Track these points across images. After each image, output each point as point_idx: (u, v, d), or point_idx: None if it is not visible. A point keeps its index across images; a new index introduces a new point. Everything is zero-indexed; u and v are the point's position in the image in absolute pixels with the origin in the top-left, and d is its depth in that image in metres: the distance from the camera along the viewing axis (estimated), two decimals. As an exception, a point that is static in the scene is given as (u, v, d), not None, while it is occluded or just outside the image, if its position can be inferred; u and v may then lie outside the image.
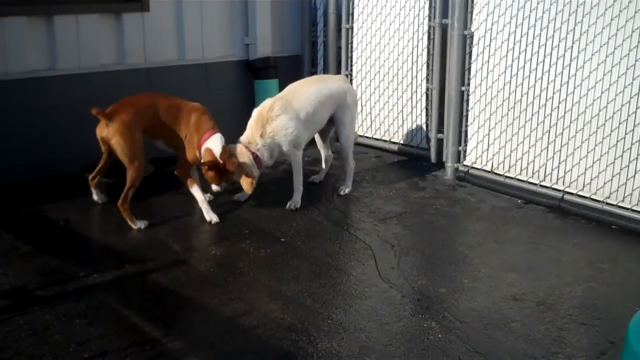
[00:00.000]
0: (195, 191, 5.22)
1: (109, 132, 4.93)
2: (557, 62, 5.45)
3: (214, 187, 5.31)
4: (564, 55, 5.38)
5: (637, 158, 5.05)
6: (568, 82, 5.39)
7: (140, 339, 3.60)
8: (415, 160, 6.70)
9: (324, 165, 6.11)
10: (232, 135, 5.44)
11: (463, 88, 6.14)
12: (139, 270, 4.39)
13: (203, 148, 5.07)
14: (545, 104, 5.57)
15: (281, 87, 6.46)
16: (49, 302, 3.95)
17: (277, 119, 5.27)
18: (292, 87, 5.62)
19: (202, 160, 5.05)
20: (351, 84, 7.07)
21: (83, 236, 4.72)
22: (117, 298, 4.04)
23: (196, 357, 3.46)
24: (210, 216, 5.15)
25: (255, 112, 5.38)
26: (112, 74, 6.17)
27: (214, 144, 5.06)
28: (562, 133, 5.50)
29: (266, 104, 5.38)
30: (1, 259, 4.46)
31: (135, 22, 6.37)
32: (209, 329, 3.73)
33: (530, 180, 5.74)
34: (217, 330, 3.73)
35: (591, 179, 5.34)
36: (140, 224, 5.02)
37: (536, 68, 5.60)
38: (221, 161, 5.01)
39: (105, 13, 6.17)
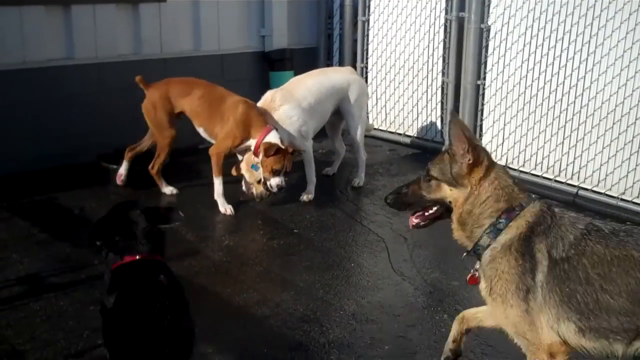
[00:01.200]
0: (217, 181, 5.22)
1: (143, 103, 5.23)
2: (573, 57, 5.42)
3: (257, 193, 5.21)
4: (581, 50, 5.36)
5: (653, 154, 5.03)
6: (585, 77, 5.36)
7: (154, 326, 3.63)
8: (429, 153, 6.66)
9: (336, 158, 6.11)
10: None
11: (479, 82, 6.12)
12: (153, 258, 4.41)
13: (263, 142, 5.02)
14: (562, 99, 5.55)
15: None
16: (63, 289, 4.00)
17: (280, 108, 5.28)
18: (294, 79, 5.69)
19: (262, 155, 4.98)
20: (365, 76, 7.09)
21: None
22: (131, 286, 4.06)
23: (208, 344, 3.48)
24: (225, 207, 5.17)
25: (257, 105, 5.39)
26: (128, 64, 6.20)
27: (274, 137, 5.06)
28: (577, 128, 5.47)
29: (267, 96, 5.40)
30: (17, 246, 4.51)
31: (152, 13, 6.40)
32: (222, 318, 3.76)
33: (545, 175, 5.72)
34: (230, 319, 3.75)
35: (606, 175, 5.32)
36: (168, 189, 5.32)
37: (552, 63, 5.58)
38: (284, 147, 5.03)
39: (122, 3, 6.20)
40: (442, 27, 6.43)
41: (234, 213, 5.16)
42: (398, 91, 6.93)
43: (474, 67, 6.13)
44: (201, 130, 5.39)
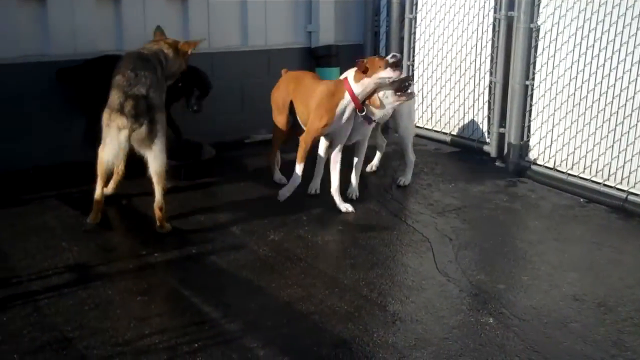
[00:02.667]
0: (298, 169, 5.19)
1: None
2: (625, 59, 5.31)
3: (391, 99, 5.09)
4: (633, 52, 5.24)
5: None
6: (636, 80, 5.25)
7: (199, 318, 3.67)
8: (475, 153, 6.64)
9: (377, 153, 6.11)
10: (295, 121, 5.49)
11: (527, 82, 6.05)
12: (199, 251, 4.45)
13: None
14: (612, 102, 5.44)
15: (342, 76, 6.48)
16: (110, 278, 4.05)
17: None
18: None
19: (365, 66, 4.90)
20: (411, 74, 7.07)
21: (145, 215, 4.80)
22: (177, 277, 4.11)
23: (253, 339, 3.50)
24: (282, 195, 5.23)
25: None
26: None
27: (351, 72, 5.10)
28: (628, 132, 5.36)
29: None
30: (66, 235, 4.59)
31: (200, 6, 6.45)
32: (266, 313, 3.77)
33: (594, 179, 5.62)
34: (274, 314, 3.76)
35: (657, 180, 5.22)
36: (278, 178, 5.54)
37: (603, 64, 5.47)
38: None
39: (171, -4, 6.26)
40: (491, 26, 6.36)
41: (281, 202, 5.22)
42: (444, 90, 6.89)
43: (522, 67, 6.05)
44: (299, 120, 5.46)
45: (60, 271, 4.10)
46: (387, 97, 5.04)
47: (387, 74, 4.86)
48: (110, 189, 5.05)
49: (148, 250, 4.43)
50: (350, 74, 5.07)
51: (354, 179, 5.46)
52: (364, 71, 4.89)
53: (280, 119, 5.51)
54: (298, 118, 5.42)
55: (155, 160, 4.58)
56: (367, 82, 4.93)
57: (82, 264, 4.21)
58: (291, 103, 5.41)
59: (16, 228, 4.66)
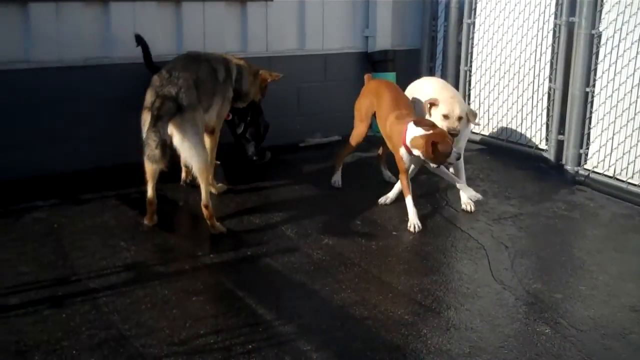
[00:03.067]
0: (403, 179, 5.17)
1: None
2: (691, 67, 5.20)
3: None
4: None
5: None
6: (703, 87, 5.13)
7: (253, 320, 3.70)
8: (532, 161, 6.54)
9: None
10: (350, 125, 5.51)
11: (588, 89, 5.94)
12: (254, 253, 4.49)
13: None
14: (676, 110, 5.32)
15: (398, 81, 6.47)
16: (167, 278, 4.11)
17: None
18: (420, 85, 5.72)
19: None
20: (468, 80, 7.07)
21: (201, 217, 4.85)
22: (232, 279, 4.15)
23: (306, 342, 3.51)
24: (413, 223, 5.03)
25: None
26: (235, 61, 6.31)
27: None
28: (692, 141, 5.24)
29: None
30: (124, 234, 4.67)
31: (259, 11, 6.51)
32: (320, 316, 3.78)
33: (656, 188, 5.50)
34: (328, 318, 3.77)
35: None
36: (335, 180, 5.67)
37: (668, 72, 5.36)
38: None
39: (231, 1, 6.33)
40: (551, 32, 6.26)
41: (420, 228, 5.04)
42: (502, 96, 6.80)
43: (583, 73, 5.95)
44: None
45: (118, 270, 4.18)
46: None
47: (430, 161, 4.87)
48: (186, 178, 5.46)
49: (204, 251, 4.49)
50: (411, 126, 4.94)
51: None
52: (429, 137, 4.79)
53: (360, 127, 5.54)
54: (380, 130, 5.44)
55: (192, 158, 4.65)
56: (416, 153, 4.88)
57: (139, 263, 4.29)
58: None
59: (76, 227, 4.77)
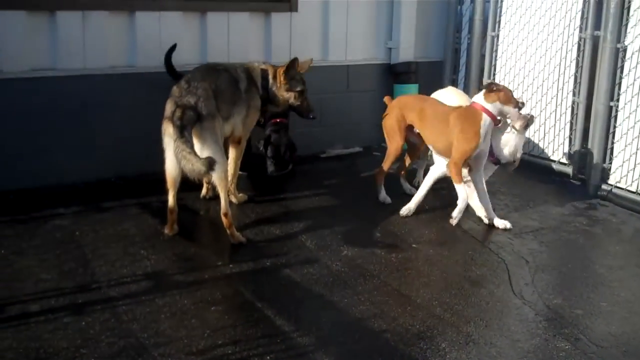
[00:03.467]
0: (460, 189, 5.19)
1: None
2: None
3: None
4: None
5: None
6: None
7: (272, 331, 3.69)
8: (554, 175, 6.49)
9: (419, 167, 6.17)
10: (371, 137, 5.49)
11: (612, 103, 5.90)
12: (273, 263, 4.49)
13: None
14: (702, 126, 5.27)
15: (421, 92, 6.47)
16: (187, 288, 4.12)
17: None
18: (446, 94, 5.78)
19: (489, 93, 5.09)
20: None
21: (221, 227, 4.87)
22: (251, 289, 4.15)
23: (324, 354, 3.50)
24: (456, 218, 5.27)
25: None
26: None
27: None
28: None
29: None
30: (145, 243, 4.70)
31: (283, 22, 6.54)
32: (338, 328, 3.78)
33: (679, 204, 5.44)
34: (346, 330, 3.76)
35: None
36: (383, 197, 5.66)
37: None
38: None
39: (255, 12, 6.37)
40: (575, 46, 6.23)
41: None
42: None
43: (607, 87, 5.91)
44: (431, 146, 5.49)
45: (138, 279, 4.20)
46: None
47: (514, 114, 5.09)
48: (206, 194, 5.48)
49: (223, 261, 4.50)
50: (478, 98, 5.10)
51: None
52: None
53: (393, 144, 5.53)
54: (426, 142, 5.46)
55: None
56: (499, 107, 5.05)
57: (159, 272, 4.31)
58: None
59: (98, 235, 4.80)
